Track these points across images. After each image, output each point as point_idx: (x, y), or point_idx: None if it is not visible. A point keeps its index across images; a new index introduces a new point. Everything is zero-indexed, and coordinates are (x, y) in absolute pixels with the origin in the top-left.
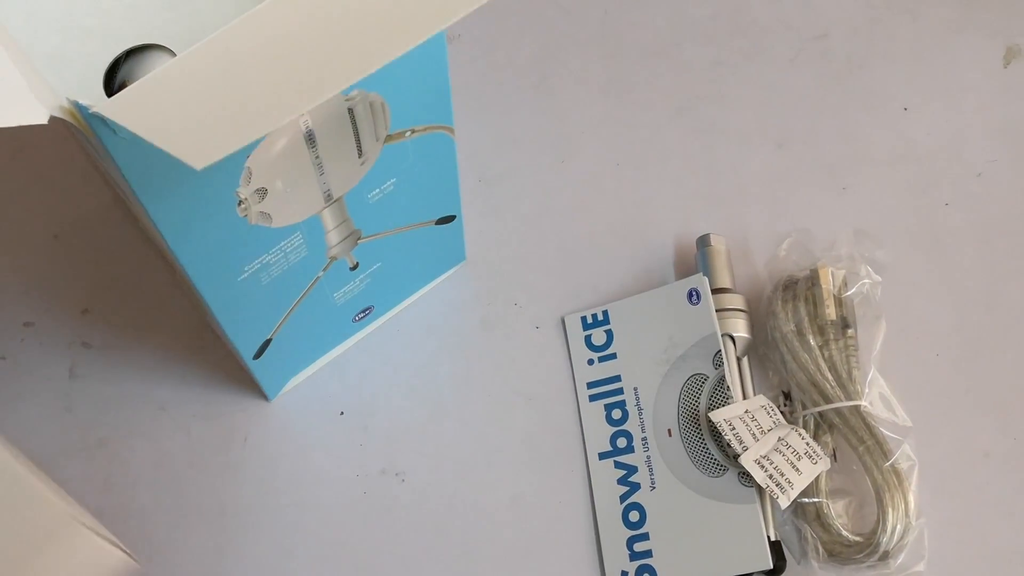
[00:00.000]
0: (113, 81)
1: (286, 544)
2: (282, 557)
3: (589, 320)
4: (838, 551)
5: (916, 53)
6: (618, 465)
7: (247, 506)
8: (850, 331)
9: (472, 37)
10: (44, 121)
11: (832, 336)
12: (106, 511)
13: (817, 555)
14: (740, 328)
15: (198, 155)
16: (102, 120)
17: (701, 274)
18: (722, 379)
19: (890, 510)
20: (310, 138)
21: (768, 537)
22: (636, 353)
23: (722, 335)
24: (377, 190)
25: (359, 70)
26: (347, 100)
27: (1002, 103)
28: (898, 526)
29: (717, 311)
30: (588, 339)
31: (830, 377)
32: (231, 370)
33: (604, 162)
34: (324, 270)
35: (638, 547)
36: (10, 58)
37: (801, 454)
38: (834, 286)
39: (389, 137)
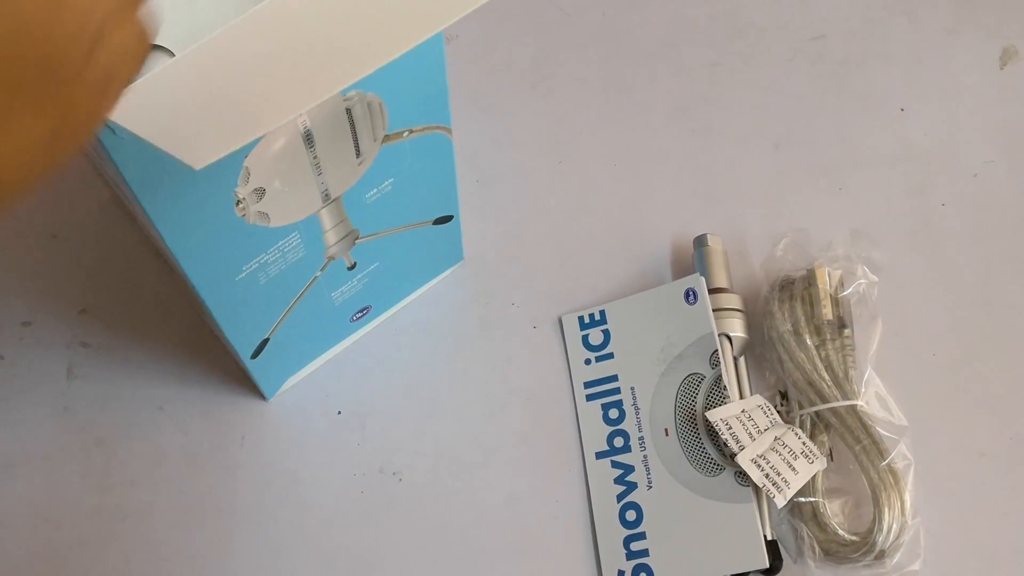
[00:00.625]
0: None
1: (284, 543)
2: (280, 556)
3: (586, 320)
4: (834, 550)
5: (913, 54)
6: (615, 464)
7: (245, 505)
8: (847, 331)
9: (470, 38)
10: None
11: (829, 336)
12: (104, 510)
13: (813, 554)
14: (737, 328)
15: (197, 155)
16: None
17: (698, 274)
18: (719, 379)
19: (886, 509)
20: (308, 138)
21: (764, 536)
22: (633, 353)
23: (719, 335)
24: (375, 190)
25: (357, 71)
26: (345, 100)
27: (998, 104)
28: (894, 525)
29: (714, 311)
30: (585, 339)
31: (826, 377)
32: (229, 369)
33: (602, 163)
34: (322, 270)
35: (635, 546)
36: None
37: (797, 453)
38: (830, 286)
39: (387, 137)
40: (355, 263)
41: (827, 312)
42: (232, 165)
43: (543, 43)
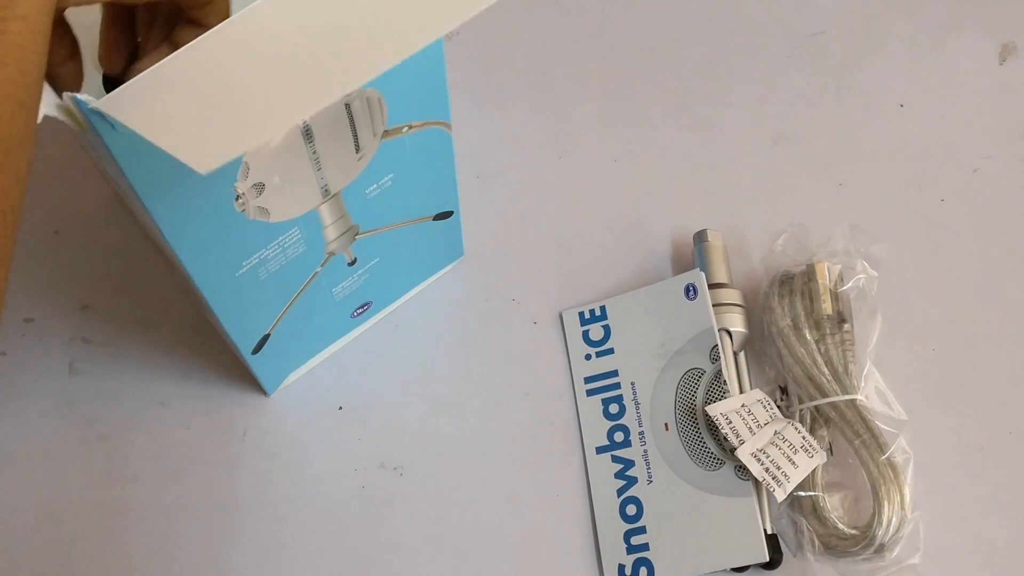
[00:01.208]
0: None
1: (285, 538)
2: (281, 550)
3: (586, 316)
4: (834, 544)
5: (912, 50)
6: (615, 459)
7: (246, 500)
8: (846, 326)
9: (470, 34)
10: (49, 113)
11: (828, 331)
12: (106, 505)
13: (813, 548)
14: (737, 323)
15: (202, 159)
16: (101, 115)
17: (698, 269)
18: (719, 374)
19: (886, 503)
20: (307, 134)
21: (764, 530)
22: (633, 348)
23: (719, 330)
24: (375, 185)
25: (363, 74)
26: (344, 96)
27: (998, 100)
28: (894, 519)
29: (714, 306)
30: (586, 334)
31: (826, 371)
32: (230, 365)
33: (602, 159)
34: (322, 265)
35: (635, 540)
36: None
37: (797, 448)
38: (830, 281)
39: (386, 133)
40: (355, 259)
41: (827, 307)
42: (232, 161)
43: (543, 39)
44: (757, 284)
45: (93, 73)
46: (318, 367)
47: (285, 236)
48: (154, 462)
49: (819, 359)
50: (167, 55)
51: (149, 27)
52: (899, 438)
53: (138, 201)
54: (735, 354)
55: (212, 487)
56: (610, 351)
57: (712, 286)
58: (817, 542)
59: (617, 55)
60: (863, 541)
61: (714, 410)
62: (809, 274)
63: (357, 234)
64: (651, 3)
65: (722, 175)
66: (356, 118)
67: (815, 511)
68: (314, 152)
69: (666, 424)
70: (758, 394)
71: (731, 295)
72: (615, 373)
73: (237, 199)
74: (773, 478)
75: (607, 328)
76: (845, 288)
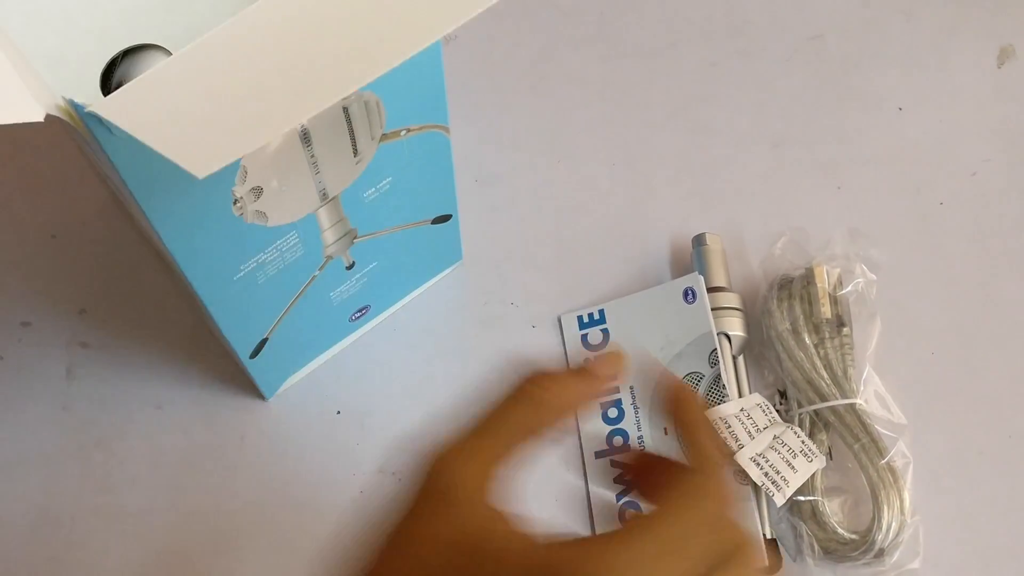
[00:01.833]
0: (110, 81)
1: (282, 542)
2: (279, 556)
3: (585, 319)
4: (833, 548)
5: (910, 53)
6: (614, 464)
7: (243, 505)
8: (845, 329)
9: (468, 37)
10: (40, 119)
11: (827, 334)
12: (103, 511)
13: (812, 553)
14: (736, 327)
15: (199, 163)
16: (98, 119)
17: (696, 273)
18: (718, 378)
19: (885, 508)
20: (305, 137)
21: (764, 535)
22: (632, 352)
23: (718, 334)
24: (373, 189)
25: (362, 76)
26: (342, 99)
27: (996, 103)
28: (893, 523)
29: (713, 310)
30: (584, 338)
31: (825, 375)
32: (228, 369)
33: (600, 162)
34: (320, 269)
35: None
36: (6, 57)
37: (797, 452)
38: (829, 284)
39: (384, 136)
40: (353, 262)
41: (826, 311)
42: (230, 164)
43: (541, 42)
44: (756, 288)
45: (92, 79)
46: (316, 371)
47: (283, 240)
48: (152, 467)
49: (818, 363)
50: None
51: None
52: (899, 442)
53: (136, 205)
54: (734, 358)
55: (210, 492)
56: None
57: (711, 290)
58: (816, 547)
59: (616, 58)
60: (863, 546)
61: (713, 414)
62: (808, 278)
63: (355, 238)
64: (650, 6)
65: (721, 178)
66: (354, 121)
67: (814, 516)
68: (312, 156)
69: (665, 428)
70: (757, 398)
71: (730, 299)
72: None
73: (235, 203)
74: (772, 483)
75: (606, 332)
76: (844, 292)
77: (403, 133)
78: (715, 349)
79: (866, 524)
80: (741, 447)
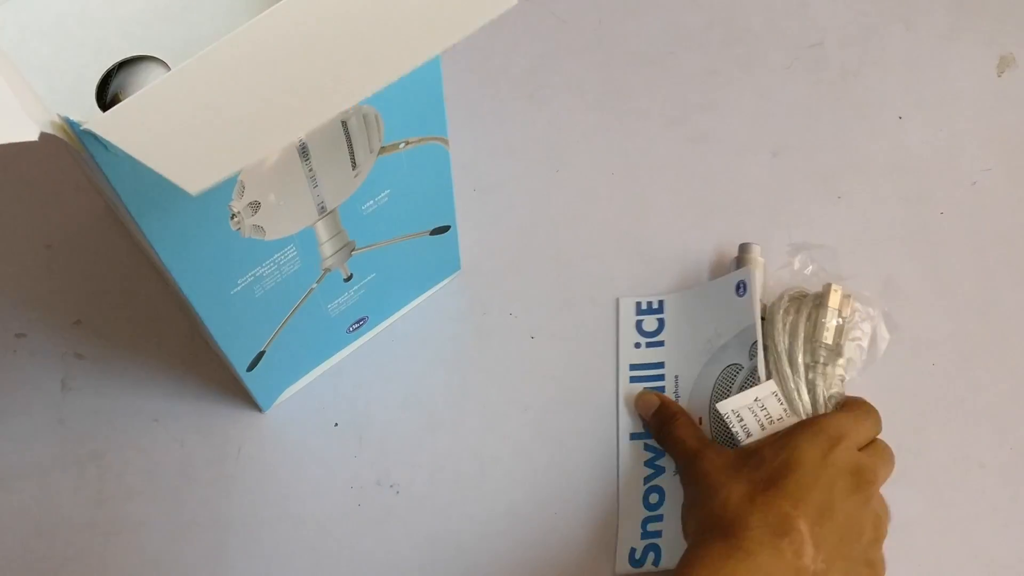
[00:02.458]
0: (105, 93)
1: (280, 556)
2: (276, 569)
3: (643, 306)
4: None
5: (910, 62)
6: (647, 448)
7: (241, 518)
8: (841, 361)
9: (466, 46)
10: (35, 138)
11: (822, 360)
12: (99, 524)
13: None
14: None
15: (193, 179)
16: (94, 136)
17: (749, 268)
18: (755, 370)
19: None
20: (303, 151)
21: None
22: (683, 343)
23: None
24: (371, 201)
25: (359, 91)
26: (341, 113)
27: (996, 112)
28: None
29: None
30: (639, 324)
31: (806, 399)
32: (224, 381)
33: (599, 171)
34: (318, 282)
35: (651, 527)
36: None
37: None
38: (840, 314)
39: (383, 149)
40: (351, 274)
41: (827, 336)
42: (224, 180)
43: (540, 51)
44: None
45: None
46: (313, 383)
47: (281, 253)
48: (147, 480)
49: (802, 385)
50: None
51: None
52: None
53: (131, 220)
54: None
55: (206, 505)
56: (660, 343)
57: None
58: None
59: (614, 66)
60: None
61: (725, 406)
62: (821, 300)
63: (353, 250)
64: (649, 13)
65: (721, 187)
66: (353, 135)
67: None
68: (310, 169)
69: (700, 418)
70: (771, 386)
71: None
72: (661, 365)
73: (232, 218)
74: None
75: (661, 321)
76: (854, 332)
77: (402, 146)
78: (756, 341)
79: None
80: (750, 437)
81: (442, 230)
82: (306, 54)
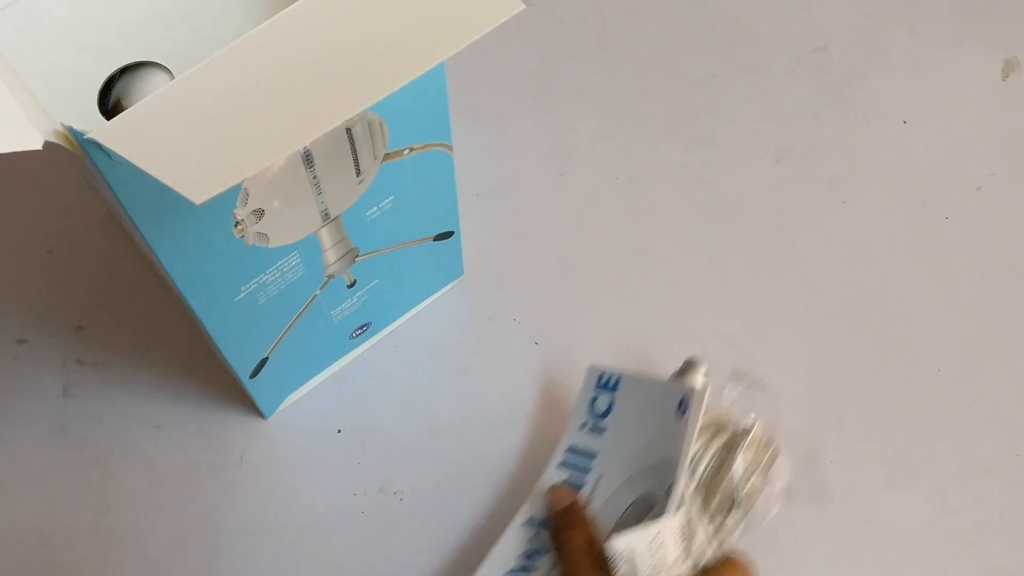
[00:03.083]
0: (107, 98)
1: (283, 564)
2: None
3: (603, 380)
4: None
5: (915, 66)
6: (528, 555)
7: (244, 525)
8: (734, 515)
9: (469, 50)
10: (39, 147)
11: (715, 507)
12: (101, 531)
13: None
14: None
15: (197, 189)
16: (97, 145)
17: (695, 387)
18: (663, 511)
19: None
20: (308, 158)
21: None
22: (619, 441)
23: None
24: (375, 208)
25: (362, 100)
26: (345, 120)
27: (1001, 116)
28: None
29: None
30: (594, 401)
31: (698, 548)
32: (227, 387)
33: (602, 175)
34: (321, 288)
35: None
36: (3, 82)
37: None
38: (754, 466)
39: (387, 156)
40: (355, 280)
41: (727, 484)
42: (228, 189)
43: (542, 55)
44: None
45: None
46: (316, 389)
47: (284, 260)
48: (149, 487)
49: (694, 516)
50: None
51: None
52: None
53: (134, 228)
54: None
55: (209, 512)
56: (602, 430)
57: None
58: None
59: (618, 70)
60: None
61: (618, 545)
62: (733, 444)
63: (357, 256)
64: (652, 18)
65: (724, 192)
66: (357, 142)
67: None
68: (314, 177)
69: (605, 533)
70: (680, 519)
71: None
72: (593, 456)
73: (236, 225)
74: None
75: (611, 405)
76: (765, 480)
77: (406, 152)
78: (672, 484)
79: None
80: None
81: (445, 236)
82: (311, 62)
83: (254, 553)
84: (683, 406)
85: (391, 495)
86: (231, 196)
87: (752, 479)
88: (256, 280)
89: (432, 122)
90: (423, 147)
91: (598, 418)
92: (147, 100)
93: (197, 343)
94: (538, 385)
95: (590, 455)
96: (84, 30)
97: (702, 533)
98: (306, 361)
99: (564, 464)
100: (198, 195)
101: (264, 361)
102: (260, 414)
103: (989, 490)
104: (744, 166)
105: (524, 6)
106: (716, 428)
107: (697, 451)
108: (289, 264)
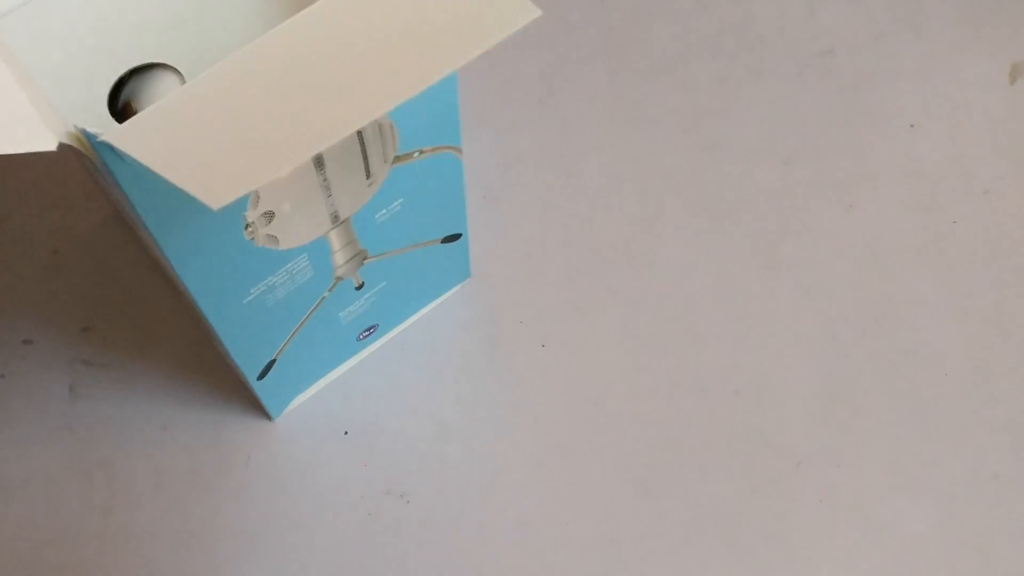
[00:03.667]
0: (117, 100)
1: (289, 567)
2: None
3: None
4: None
5: (922, 70)
6: None
7: (250, 527)
8: None
9: (473, 58)
10: (53, 148)
11: None
12: (107, 533)
13: None
14: None
15: (214, 194)
16: (110, 148)
17: None
18: None
19: None
20: (318, 161)
21: None
22: None
23: None
24: (384, 210)
25: (380, 106)
26: None
27: (1008, 120)
28: None
29: None
30: None
31: None
32: (234, 389)
33: (610, 178)
34: (330, 290)
35: None
36: (17, 81)
37: None
38: None
39: (397, 158)
40: (363, 283)
41: None
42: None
43: (550, 58)
44: None
45: (99, 98)
46: (323, 391)
47: (293, 263)
48: (156, 488)
49: None
50: None
51: None
52: None
53: (145, 229)
54: None
55: (215, 514)
56: None
57: None
58: None
59: (625, 73)
60: None
61: None
62: None
63: (365, 259)
64: (659, 21)
65: (731, 195)
66: (368, 145)
67: None
68: (325, 179)
69: None
70: None
71: None
72: None
73: (247, 228)
74: None
75: None
76: None
77: (416, 155)
78: None
79: None
80: None
81: (453, 238)
82: (325, 66)
83: (260, 554)
84: None
85: (398, 497)
86: (242, 199)
87: None
88: (265, 282)
89: (442, 125)
90: (433, 150)
91: None
92: (160, 103)
93: (203, 344)
94: (545, 388)
95: None
96: (94, 31)
97: None
98: (313, 363)
99: None
100: (215, 201)
101: (272, 363)
102: (267, 416)
103: (997, 496)
104: (751, 170)
105: (540, 12)
106: None
107: None
108: (298, 266)
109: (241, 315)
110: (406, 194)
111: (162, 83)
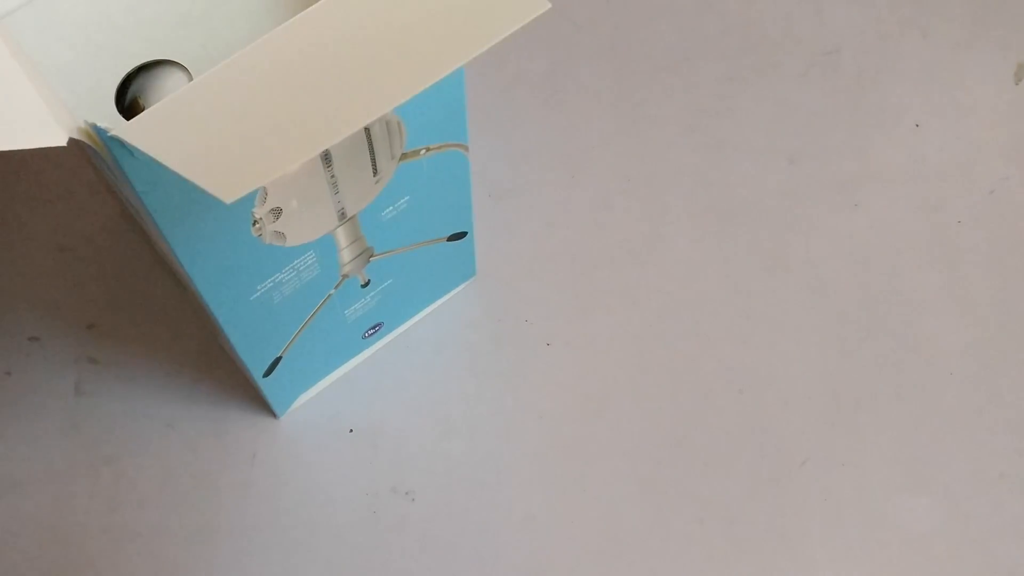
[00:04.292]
0: (124, 96)
1: (294, 563)
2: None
3: None
4: None
5: (927, 69)
6: None
7: (255, 524)
8: None
9: (483, 51)
10: (63, 143)
11: None
12: (112, 530)
13: None
14: None
15: (226, 188)
16: (120, 143)
17: None
18: None
19: None
20: (326, 158)
21: None
22: None
23: None
24: (391, 208)
25: (388, 101)
26: None
27: (1014, 120)
28: None
29: None
30: None
31: None
32: (239, 386)
33: (615, 177)
34: (336, 287)
35: None
36: (27, 77)
37: None
38: None
39: (404, 155)
40: (369, 280)
41: None
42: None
43: (555, 57)
44: None
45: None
46: (328, 389)
47: (300, 260)
48: (161, 486)
49: None
50: None
51: None
52: None
53: (154, 225)
54: None
55: (220, 511)
56: None
57: None
58: None
59: (630, 72)
60: None
61: None
62: None
63: (372, 256)
64: (664, 20)
65: (736, 194)
66: (375, 142)
67: None
68: (332, 176)
69: None
70: None
71: None
72: None
73: (254, 224)
74: None
75: None
76: None
77: (423, 152)
78: None
79: None
80: None
81: (459, 236)
82: (333, 62)
83: (265, 552)
84: None
85: (402, 495)
86: (250, 195)
87: None
88: (272, 279)
89: (449, 122)
90: (439, 147)
91: None
92: (170, 98)
93: (209, 342)
94: (550, 386)
95: None
96: (102, 28)
97: None
98: (319, 360)
99: None
100: (228, 194)
101: (278, 360)
102: (272, 413)
103: (1002, 494)
104: (757, 169)
105: (550, 5)
106: None
107: None
108: (305, 263)
109: (248, 312)
110: (413, 191)
111: (169, 80)
